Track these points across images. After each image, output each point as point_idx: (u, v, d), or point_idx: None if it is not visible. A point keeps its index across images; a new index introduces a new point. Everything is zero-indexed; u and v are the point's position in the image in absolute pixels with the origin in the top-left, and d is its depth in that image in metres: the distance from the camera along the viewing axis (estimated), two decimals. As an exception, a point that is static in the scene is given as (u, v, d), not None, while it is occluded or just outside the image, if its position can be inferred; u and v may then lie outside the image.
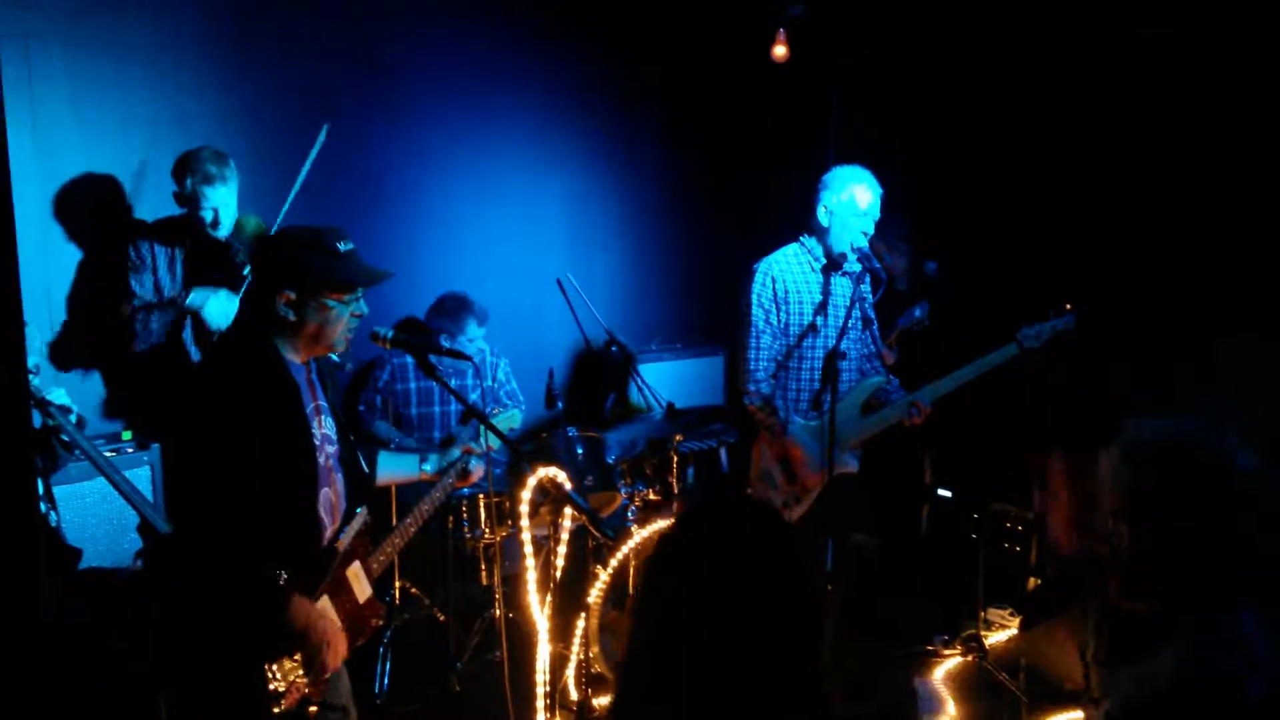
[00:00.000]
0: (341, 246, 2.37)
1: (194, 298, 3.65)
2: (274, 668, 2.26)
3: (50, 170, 3.81)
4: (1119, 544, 1.63)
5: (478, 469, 2.91)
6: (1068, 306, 3.67)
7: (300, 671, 2.31)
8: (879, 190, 3.64)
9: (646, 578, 1.45)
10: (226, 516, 2.20)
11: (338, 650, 2.39)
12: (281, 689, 2.26)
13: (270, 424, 2.30)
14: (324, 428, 2.48)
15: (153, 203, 3.97)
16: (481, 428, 2.89)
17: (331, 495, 2.48)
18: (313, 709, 2.34)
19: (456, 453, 2.89)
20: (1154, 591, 1.61)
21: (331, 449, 2.51)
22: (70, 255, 3.90)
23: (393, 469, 2.86)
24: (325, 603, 2.43)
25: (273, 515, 2.28)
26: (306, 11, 4.41)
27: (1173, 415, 1.65)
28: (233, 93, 4.22)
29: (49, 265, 3.85)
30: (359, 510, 2.56)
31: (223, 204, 3.65)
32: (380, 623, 2.64)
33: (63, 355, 3.90)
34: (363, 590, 2.55)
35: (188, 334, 3.71)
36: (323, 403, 2.51)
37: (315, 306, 2.35)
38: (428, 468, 2.88)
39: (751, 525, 1.43)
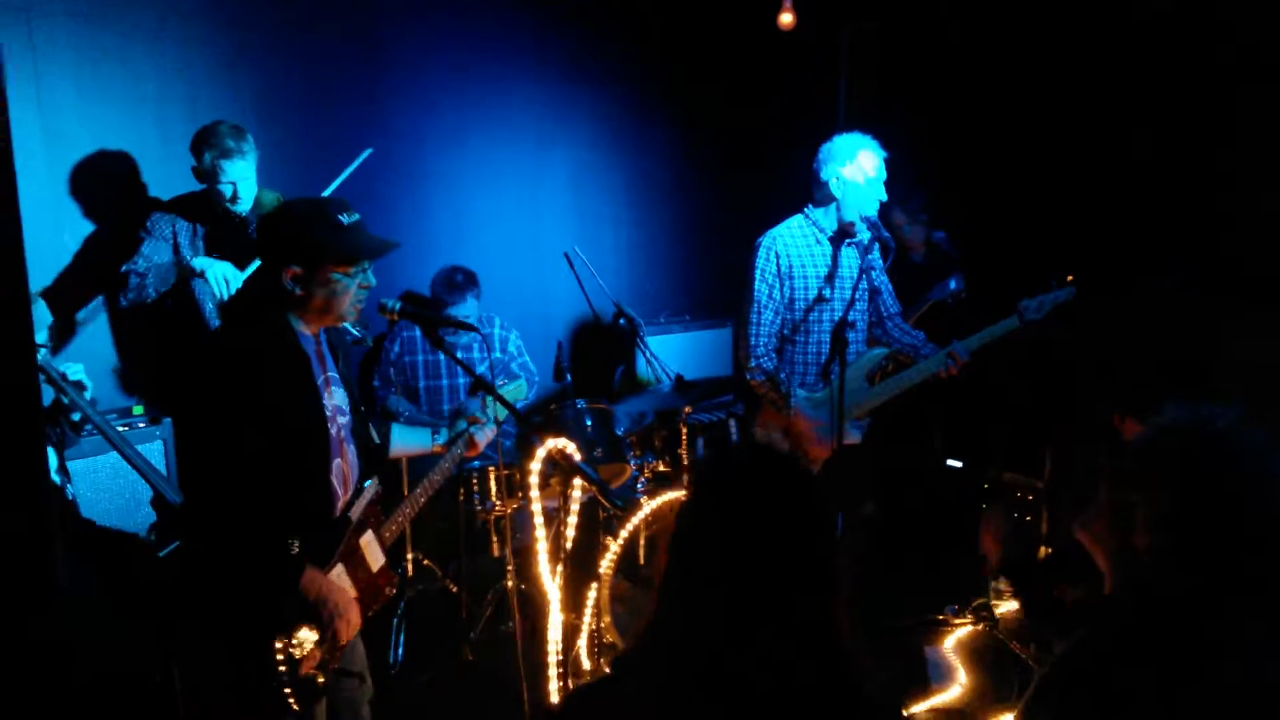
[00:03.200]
0: (345, 219, 2.36)
1: (199, 261, 3.64)
2: (288, 636, 2.28)
3: (57, 146, 3.80)
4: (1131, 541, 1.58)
5: (486, 436, 2.92)
6: (1069, 278, 3.65)
7: (315, 638, 2.33)
8: (884, 154, 3.61)
9: (679, 520, 1.50)
10: (237, 487, 2.21)
11: (351, 620, 2.41)
12: (297, 655, 2.28)
13: (281, 395, 2.30)
14: (335, 399, 2.49)
15: (163, 178, 3.96)
16: (489, 399, 2.90)
17: (343, 466, 2.49)
18: (321, 679, 2.36)
19: (464, 423, 2.91)
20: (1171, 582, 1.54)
21: (343, 420, 2.52)
22: (80, 231, 3.90)
23: (406, 441, 2.89)
24: (339, 572, 2.45)
25: (286, 486, 2.29)
26: (313, -13, 4.38)
27: (1200, 404, 1.58)
28: (240, 69, 4.20)
29: (59, 241, 3.85)
30: (369, 481, 2.58)
31: (241, 178, 3.64)
32: (394, 591, 2.66)
33: (74, 331, 3.91)
34: (375, 559, 2.58)
35: (210, 305, 3.71)
36: (333, 374, 2.51)
37: (321, 280, 2.34)
38: (440, 439, 2.90)
39: (777, 470, 1.49)
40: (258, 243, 2.47)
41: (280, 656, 2.25)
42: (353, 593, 2.47)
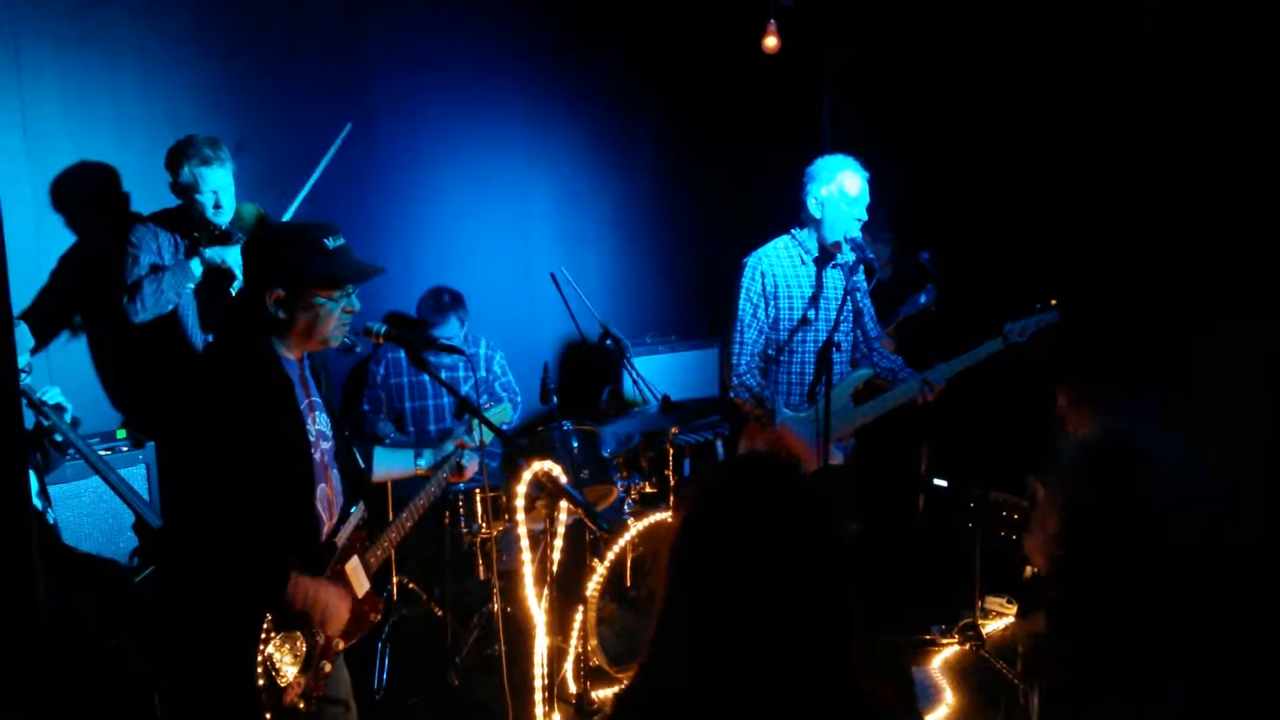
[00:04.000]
0: (329, 243, 2.34)
1: (211, 252, 3.62)
2: (271, 663, 2.26)
3: (41, 168, 3.79)
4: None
5: (472, 464, 2.91)
6: (1053, 303, 3.70)
7: (298, 668, 2.31)
8: (866, 175, 3.64)
9: (682, 537, 1.41)
10: (221, 509, 2.20)
11: (343, 618, 2.40)
12: (280, 684, 2.26)
13: (264, 420, 2.29)
14: (318, 424, 2.48)
15: (147, 200, 3.95)
16: (475, 421, 2.90)
17: (328, 491, 2.48)
18: (303, 706, 2.33)
19: (450, 446, 2.89)
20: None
21: (327, 445, 2.51)
22: (63, 252, 3.89)
23: (389, 464, 2.87)
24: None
25: (270, 512, 2.28)
26: (298, 8, 4.40)
27: (1129, 420, 1.63)
28: (225, 90, 4.21)
29: (40, 263, 3.83)
30: (355, 506, 2.56)
31: (222, 187, 3.63)
32: (379, 617, 2.63)
33: (56, 354, 3.89)
34: (361, 585, 2.56)
35: (192, 323, 3.69)
36: (316, 399, 2.50)
37: (304, 304, 2.33)
38: (423, 463, 2.88)
39: (790, 486, 1.41)
40: (242, 265, 2.46)
41: (262, 683, 2.23)
42: (339, 591, 2.45)
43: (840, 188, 3.61)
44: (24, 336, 3.15)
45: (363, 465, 2.68)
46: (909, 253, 4.96)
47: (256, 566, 2.26)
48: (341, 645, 2.48)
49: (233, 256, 3.60)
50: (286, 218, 3.81)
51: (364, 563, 2.58)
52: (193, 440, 2.25)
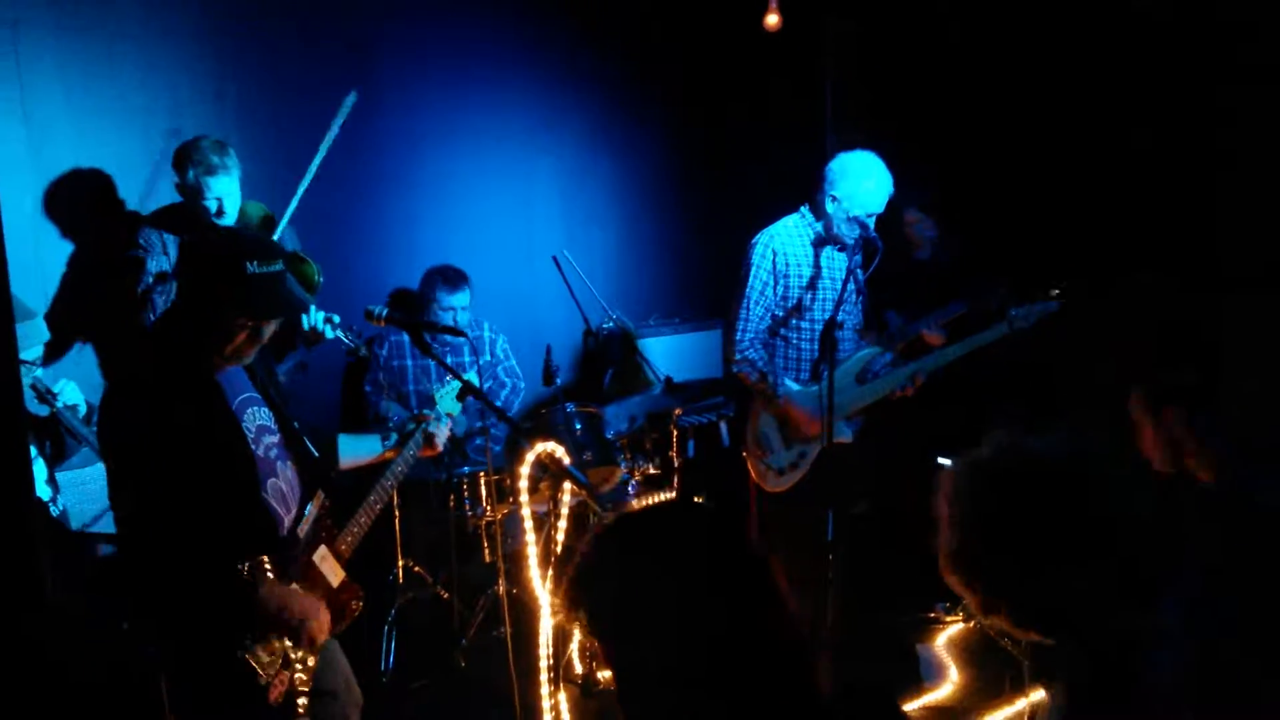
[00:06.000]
0: (251, 268, 2.21)
1: None
2: (256, 661, 2.25)
3: (43, 159, 3.78)
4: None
5: (442, 433, 2.84)
6: (1055, 291, 3.70)
7: (281, 664, 2.30)
8: (889, 181, 3.61)
9: (586, 584, 1.39)
10: (169, 522, 2.16)
11: (322, 622, 2.37)
12: (264, 683, 2.24)
13: (191, 424, 2.22)
14: (258, 419, 2.42)
15: (149, 190, 3.95)
16: (439, 391, 2.88)
17: (281, 485, 2.42)
18: (301, 701, 2.33)
19: (411, 424, 2.83)
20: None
21: (271, 439, 2.44)
22: (64, 246, 3.89)
23: (356, 451, 2.79)
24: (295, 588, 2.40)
25: (220, 513, 2.22)
26: (300, -5, 4.39)
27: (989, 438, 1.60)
28: (226, 79, 4.20)
29: (41, 254, 3.82)
30: (314, 497, 2.51)
31: (226, 193, 3.63)
32: (360, 606, 2.57)
33: (58, 345, 3.89)
34: (334, 573, 2.51)
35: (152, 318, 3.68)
36: (251, 394, 2.44)
37: (223, 327, 2.26)
38: (389, 444, 2.82)
39: (692, 521, 1.43)
40: (178, 275, 2.41)
41: (254, 681, 2.22)
42: (314, 597, 2.42)
43: (863, 191, 3.58)
44: (38, 330, 3.13)
45: (316, 454, 2.59)
46: (955, 235, 4.92)
47: (220, 580, 2.22)
48: (322, 638, 2.47)
49: None
50: (291, 208, 3.80)
51: (333, 551, 2.54)
52: (125, 453, 2.21)
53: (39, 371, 3.15)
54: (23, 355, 2.92)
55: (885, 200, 3.62)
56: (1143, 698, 1.44)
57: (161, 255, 3.72)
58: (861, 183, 3.58)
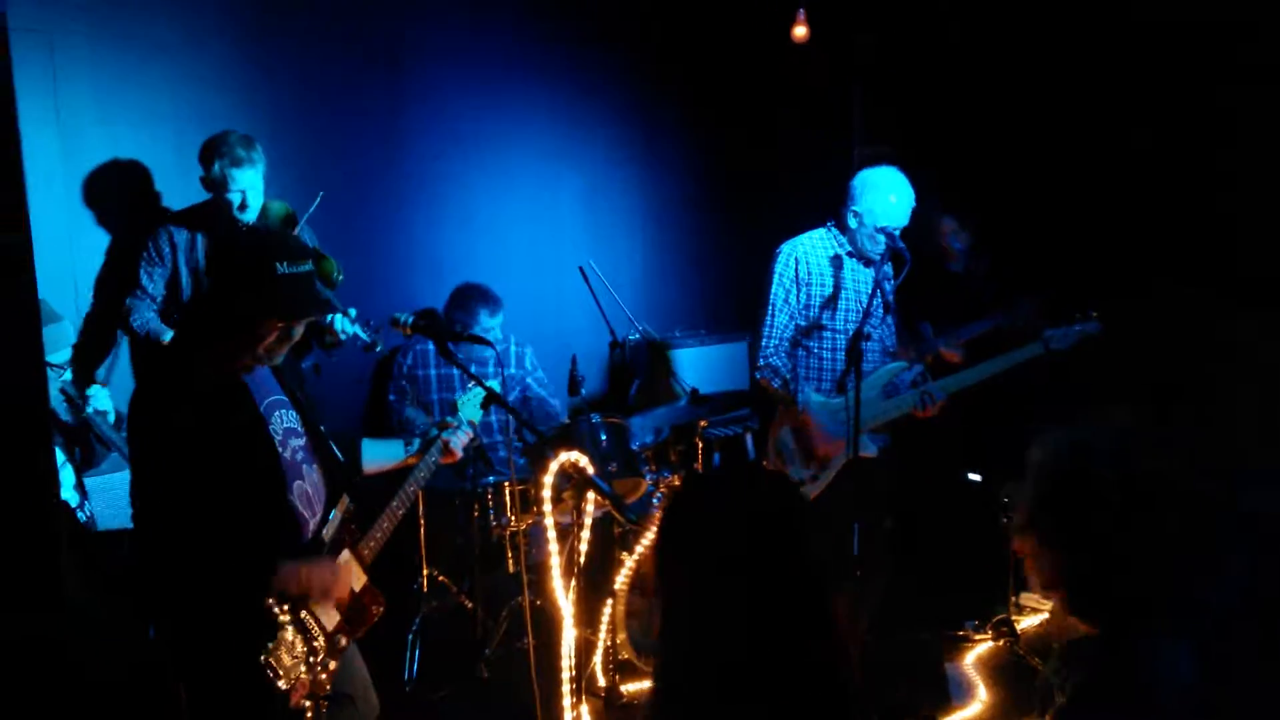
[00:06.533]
0: (281, 269, 2.21)
1: None
2: (278, 664, 2.24)
3: (75, 166, 3.83)
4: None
5: (461, 440, 2.84)
6: (1094, 314, 3.67)
7: (303, 667, 2.30)
8: (911, 196, 3.60)
9: (669, 546, 1.52)
10: (190, 527, 2.16)
11: (343, 583, 2.37)
12: (285, 687, 2.24)
13: (218, 428, 2.22)
14: (285, 422, 2.43)
15: (179, 194, 3.99)
16: (460, 399, 2.87)
17: (306, 488, 2.42)
18: (307, 704, 2.32)
19: (434, 430, 2.84)
20: (1091, 611, 1.58)
21: (298, 442, 2.44)
22: (97, 251, 3.93)
23: (379, 456, 2.80)
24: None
25: (245, 517, 2.22)
26: (327, 4, 4.42)
27: (1073, 425, 1.62)
28: (256, 86, 4.24)
29: (75, 262, 3.87)
30: (339, 501, 2.51)
31: (250, 186, 3.66)
32: (381, 610, 2.57)
33: (90, 351, 3.93)
34: (357, 578, 2.51)
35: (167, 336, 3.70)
36: (279, 397, 2.45)
37: (254, 327, 2.26)
38: (413, 450, 2.83)
39: (773, 496, 1.51)
40: (207, 275, 2.41)
41: (266, 685, 2.21)
42: (337, 616, 2.42)
43: (884, 206, 3.57)
44: (65, 333, 3.16)
45: (341, 458, 2.59)
46: (989, 246, 4.88)
47: (236, 572, 2.21)
48: (345, 641, 2.46)
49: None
50: (303, 221, 3.83)
51: (356, 555, 2.53)
52: (151, 463, 2.21)
53: (68, 375, 3.17)
54: (50, 358, 2.94)
55: (908, 215, 3.61)
56: (1151, 703, 1.46)
57: (163, 269, 3.75)
58: (884, 198, 3.58)
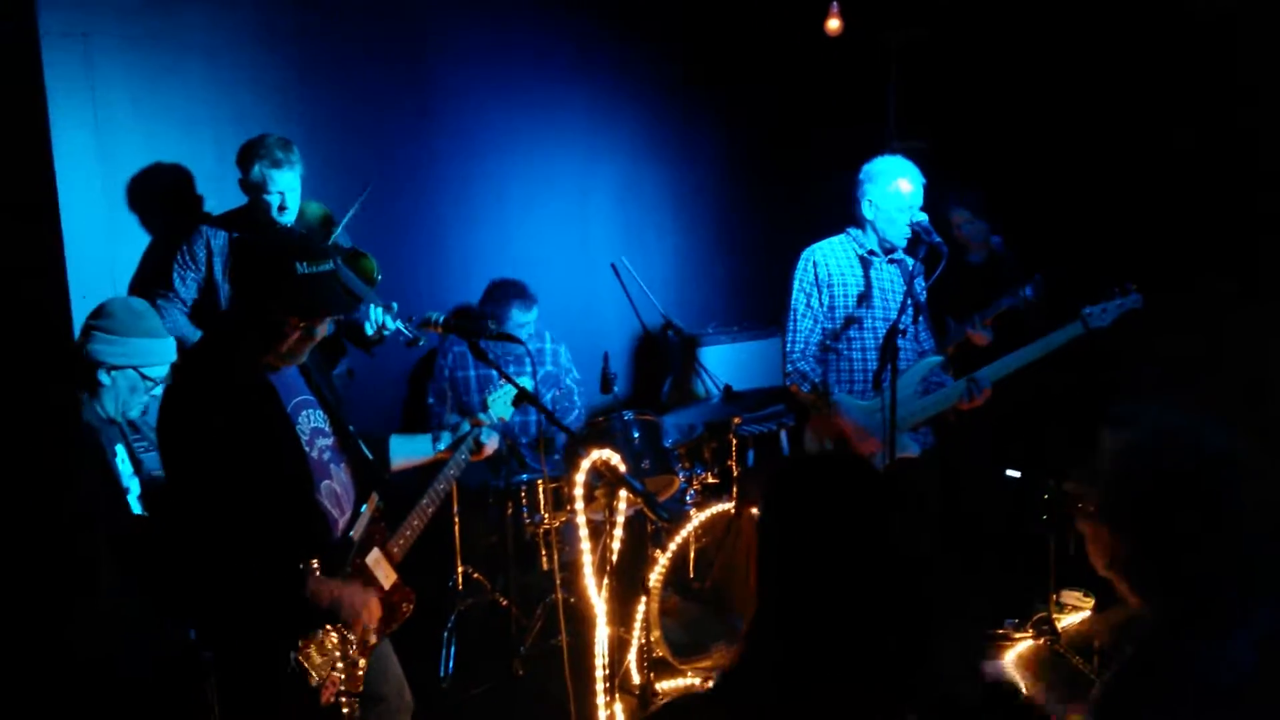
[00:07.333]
0: (301, 268, 2.24)
1: None
2: (309, 662, 2.25)
3: (113, 169, 3.87)
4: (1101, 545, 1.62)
5: (491, 440, 2.85)
6: (1132, 286, 3.58)
7: (335, 665, 2.30)
8: (921, 179, 3.61)
9: (772, 519, 1.57)
10: (221, 527, 2.18)
11: (373, 613, 2.38)
12: (316, 684, 2.25)
13: (247, 429, 2.24)
14: (312, 421, 2.44)
15: (217, 200, 4.02)
16: (489, 397, 2.88)
17: (335, 487, 2.44)
18: (345, 710, 2.32)
19: (466, 426, 2.84)
20: (1150, 592, 1.59)
21: (326, 441, 2.46)
22: (135, 254, 3.97)
23: (407, 452, 2.81)
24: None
25: (274, 517, 2.24)
26: (362, 5, 4.44)
27: (1147, 409, 1.61)
28: (291, 88, 4.27)
29: (115, 265, 3.91)
30: (368, 499, 2.52)
31: (289, 188, 3.68)
32: (411, 608, 2.58)
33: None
34: (387, 576, 2.52)
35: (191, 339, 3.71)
36: (307, 397, 2.46)
37: (275, 327, 2.28)
38: (441, 446, 2.83)
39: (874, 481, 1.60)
40: (229, 277, 2.42)
41: (298, 683, 2.22)
42: (367, 590, 2.43)
43: (896, 190, 3.59)
44: (168, 349, 3.11)
45: (370, 457, 2.61)
46: (988, 235, 4.82)
47: (275, 576, 2.23)
48: (374, 640, 2.46)
49: None
50: (341, 225, 3.85)
51: (386, 554, 2.54)
52: (178, 470, 2.23)
53: (158, 391, 3.15)
54: (148, 373, 2.95)
55: (920, 195, 3.59)
56: (1207, 685, 1.46)
57: (196, 273, 3.78)
58: (892, 182, 3.59)
